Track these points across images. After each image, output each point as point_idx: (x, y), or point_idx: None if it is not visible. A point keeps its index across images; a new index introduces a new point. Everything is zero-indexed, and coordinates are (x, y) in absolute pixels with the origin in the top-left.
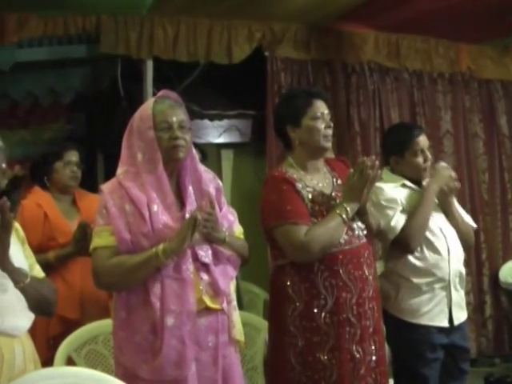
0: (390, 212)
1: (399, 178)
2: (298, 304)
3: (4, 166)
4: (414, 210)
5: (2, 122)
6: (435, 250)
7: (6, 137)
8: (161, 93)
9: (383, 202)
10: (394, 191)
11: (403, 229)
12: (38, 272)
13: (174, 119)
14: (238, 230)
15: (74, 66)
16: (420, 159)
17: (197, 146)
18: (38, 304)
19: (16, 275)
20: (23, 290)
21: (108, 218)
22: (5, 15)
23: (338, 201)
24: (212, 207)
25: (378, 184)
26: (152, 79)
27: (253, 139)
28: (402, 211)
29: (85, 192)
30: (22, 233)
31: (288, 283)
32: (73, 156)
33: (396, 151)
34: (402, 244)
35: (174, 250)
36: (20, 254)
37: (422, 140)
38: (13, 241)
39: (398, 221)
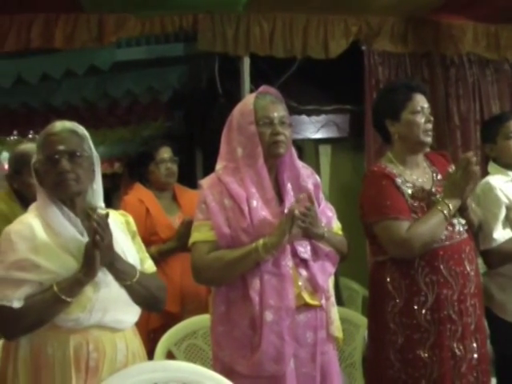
0: (493, 221)
1: (505, 170)
2: (398, 301)
3: (80, 153)
4: None
5: (103, 121)
6: None
7: (106, 135)
8: (262, 88)
9: (489, 205)
10: (504, 187)
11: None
12: (150, 266)
13: (276, 115)
14: (337, 225)
15: (171, 64)
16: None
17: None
18: (145, 301)
19: (122, 274)
20: (130, 288)
21: (207, 212)
22: (103, 16)
23: (438, 196)
24: (311, 202)
25: (488, 179)
26: (249, 76)
27: (350, 134)
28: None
29: (185, 188)
30: (133, 227)
31: (388, 279)
32: (165, 153)
33: (489, 138)
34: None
35: (273, 244)
36: (131, 248)
37: None
38: (123, 234)
39: (500, 232)
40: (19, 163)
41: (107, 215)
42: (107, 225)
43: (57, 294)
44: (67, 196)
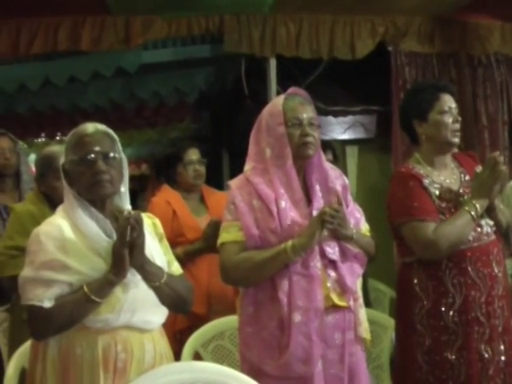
0: None
1: None
2: (425, 302)
3: (113, 155)
4: None
5: (130, 123)
6: None
7: (133, 137)
8: (291, 90)
9: None
10: None
11: None
12: (177, 269)
13: (305, 116)
14: (365, 227)
15: (198, 65)
16: None
17: (327, 144)
18: (173, 302)
19: (151, 276)
20: (158, 289)
21: (236, 213)
22: (130, 18)
23: (465, 197)
24: (340, 204)
25: None
26: (275, 77)
27: (377, 135)
28: None
29: (212, 189)
30: (160, 229)
31: (415, 281)
32: (193, 155)
33: None
34: None
35: (302, 246)
36: (158, 251)
37: None
38: (151, 237)
39: None
40: (44, 167)
41: (139, 216)
42: (142, 225)
43: (87, 295)
44: (101, 197)
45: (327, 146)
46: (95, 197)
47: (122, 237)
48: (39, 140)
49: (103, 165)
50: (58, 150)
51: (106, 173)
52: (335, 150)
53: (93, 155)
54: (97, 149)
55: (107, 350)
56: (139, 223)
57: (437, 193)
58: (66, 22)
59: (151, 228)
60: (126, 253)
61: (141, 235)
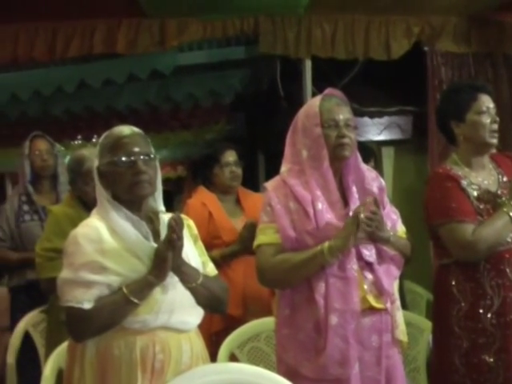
0: None
1: None
2: (463, 304)
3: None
4: None
5: (165, 124)
6: None
7: (168, 138)
8: (327, 91)
9: None
10: None
11: None
12: (212, 270)
13: (341, 117)
14: (401, 228)
15: (233, 67)
16: None
17: (366, 146)
18: (209, 302)
19: (187, 277)
20: (194, 290)
21: (272, 215)
22: (165, 21)
23: (504, 198)
24: (376, 206)
25: None
26: (311, 78)
27: (414, 136)
28: None
29: (249, 191)
30: (194, 230)
31: (453, 283)
32: (230, 156)
33: None
34: None
35: (339, 247)
36: (193, 252)
37: None
38: (186, 239)
39: None
40: (73, 172)
41: (180, 218)
42: (182, 227)
43: (127, 296)
44: (140, 198)
45: (370, 153)
46: (134, 197)
47: (168, 240)
48: (75, 142)
49: (143, 165)
50: (87, 154)
51: (146, 173)
52: (377, 156)
53: (133, 157)
54: (136, 150)
55: (145, 350)
56: (181, 226)
57: (475, 194)
58: (101, 25)
59: (186, 229)
60: (169, 256)
61: (181, 238)
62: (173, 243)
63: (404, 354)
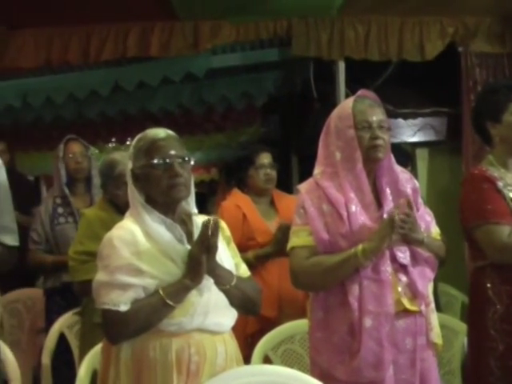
0: None
1: None
2: (498, 307)
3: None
4: None
5: (199, 127)
6: None
7: (202, 141)
8: (360, 92)
9: None
10: None
11: None
12: (244, 271)
13: (374, 118)
14: (435, 230)
15: (266, 69)
16: None
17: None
18: (243, 304)
19: (221, 279)
20: (228, 292)
21: (306, 217)
22: (199, 24)
23: None
24: (410, 208)
25: None
26: (344, 79)
27: (448, 137)
28: None
29: (283, 193)
30: (228, 232)
31: (488, 285)
32: (265, 158)
33: None
34: None
35: (373, 250)
36: (226, 254)
37: None
38: (219, 241)
39: None
40: (104, 175)
41: (217, 221)
42: (218, 230)
43: (163, 299)
44: (176, 200)
45: (407, 157)
46: (170, 200)
47: (202, 243)
48: (110, 145)
49: (179, 168)
50: (118, 158)
51: (182, 176)
52: (413, 160)
53: (169, 160)
54: (172, 152)
55: (181, 352)
56: (217, 228)
57: (511, 195)
58: (135, 28)
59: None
60: (204, 259)
61: (216, 240)
62: (208, 246)
63: (439, 357)
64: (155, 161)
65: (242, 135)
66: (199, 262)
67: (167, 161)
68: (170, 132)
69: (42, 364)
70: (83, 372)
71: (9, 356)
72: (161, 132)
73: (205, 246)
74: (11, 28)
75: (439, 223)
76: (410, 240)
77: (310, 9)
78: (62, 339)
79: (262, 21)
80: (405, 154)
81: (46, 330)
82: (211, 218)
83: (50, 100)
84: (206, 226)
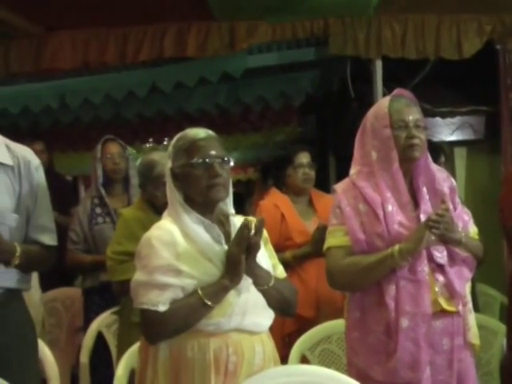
0: None
1: None
2: None
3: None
4: None
5: (236, 127)
6: None
7: (239, 141)
8: (396, 91)
9: None
10: None
11: None
12: (281, 272)
13: (411, 118)
14: (473, 230)
15: (303, 69)
16: None
17: (434, 144)
18: (279, 305)
19: (260, 279)
20: (266, 292)
21: (342, 217)
22: (235, 24)
23: None
24: (446, 208)
25: None
26: (381, 78)
27: (486, 136)
28: None
29: (321, 193)
30: (265, 233)
31: None
32: (303, 158)
33: None
34: None
35: (410, 250)
36: (264, 255)
37: None
38: None
39: None
40: (143, 176)
41: (263, 221)
42: (262, 230)
43: (202, 299)
44: (215, 201)
45: (439, 151)
46: (209, 200)
47: (240, 243)
48: (147, 145)
49: (219, 168)
50: (157, 158)
51: (221, 176)
52: (446, 153)
53: (209, 160)
54: (213, 153)
55: (219, 352)
56: (262, 228)
57: None
58: (171, 28)
59: None
60: (243, 259)
61: (259, 240)
62: (248, 245)
63: (477, 358)
64: (195, 160)
65: (278, 135)
66: (238, 262)
67: (207, 161)
68: (210, 132)
69: (80, 363)
70: (121, 371)
71: (48, 355)
72: (201, 132)
73: (244, 245)
74: (49, 29)
75: (477, 222)
76: (447, 240)
77: (346, 8)
78: (100, 338)
79: (298, 20)
80: (435, 149)
81: (85, 329)
82: (253, 218)
83: (87, 101)
84: (245, 225)
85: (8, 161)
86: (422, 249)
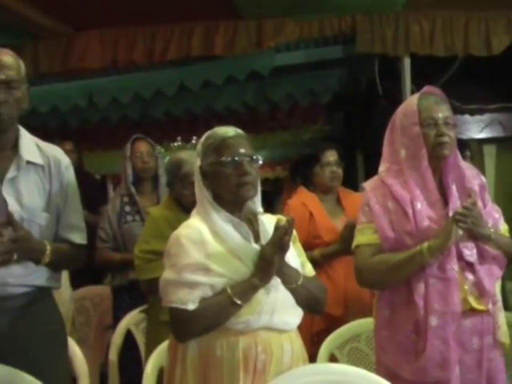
0: None
1: None
2: None
3: (256, 157)
4: None
5: (264, 125)
6: None
7: (266, 139)
8: (425, 89)
9: None
10: None
11: None
12: (310, 271)
13: (440, 115)
14: (504, 227)
15: (331, 66)
16: None
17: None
18: (308, 303)
19: (289, 278)
20: (294, 291)
21: (371, 215)
22: (262, 22)
23: None
24: (473, 202)
25: None
26: (410, 76)
27: None
28: None
29: (349, 191)
30: (293, 231)
31: None
32: (331, 156)
33: None
34: None
35: (439, 247)
36: (292, 253)
37: None
38: None
39: None
40: (171, 174)
41: (293, 221)
42: (292, 230)
43: (231, 298)
44: (244, 199)
45: (463, 145)
46: (238, 199)
47: (276, 243)
48: (175, 144)
49: (248, 167)
50: (185, 157)
51: (251, 175)
52: (471, 149)
53: (239, 158)
54: (242, 151)
55: (248, 351)
56: (292, 228)
57: None
58: (199, 27)
59: None
60: (276, 259)
61: (289, 240)
62: (282, 246)
63: (506, 357)
64: (224, 158)
65: (306, 133)
66: (271, 262)
67: (236, 159)
68: (239, 130)
69: (109, 360)
70: (150, 369)
71: (77, 353)
72: (230, 130)
73: (278, 246)
74: (77, 29)
75: (507, 220)
76: (476, 235)
77: (374, 5)
78: (128, 336)
79: (325, 18)
80: (459, 143)
81: (114, 326)
82: (285, 217)
83: (115, 100)
84: (280, 226)
85: (39, 160)
86: (451, 244)
